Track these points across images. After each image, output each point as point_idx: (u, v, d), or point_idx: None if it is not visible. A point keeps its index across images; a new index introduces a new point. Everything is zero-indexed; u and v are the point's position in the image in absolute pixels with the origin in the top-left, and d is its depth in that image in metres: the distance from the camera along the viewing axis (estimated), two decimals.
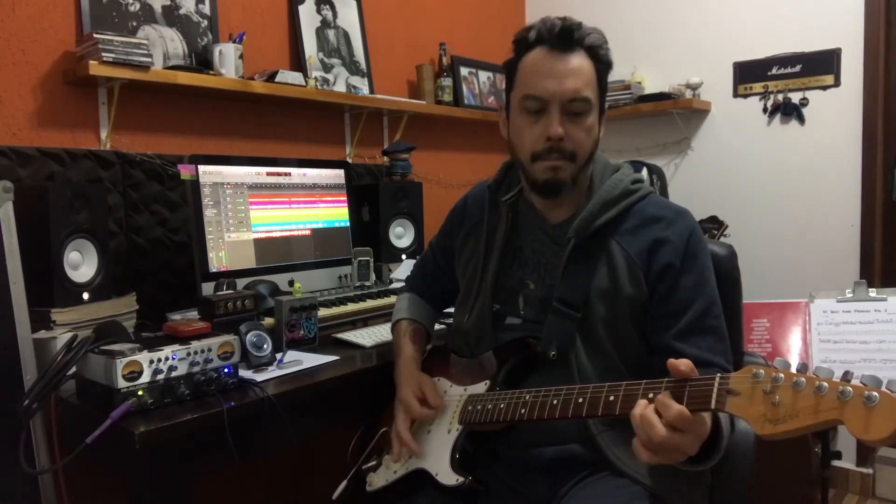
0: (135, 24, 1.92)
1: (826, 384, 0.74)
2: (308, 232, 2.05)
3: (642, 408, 0.89)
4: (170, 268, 1.96)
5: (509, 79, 1.24)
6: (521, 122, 1.21)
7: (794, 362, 0.80)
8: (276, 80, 2.09)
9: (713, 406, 0.85)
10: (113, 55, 1.70)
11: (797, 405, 0.76)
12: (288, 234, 1.99)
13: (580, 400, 1.01)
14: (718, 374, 0.86)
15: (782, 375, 0.78)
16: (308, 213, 2.05)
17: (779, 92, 2.73)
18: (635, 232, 1.20)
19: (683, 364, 0.89)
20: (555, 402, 1.04)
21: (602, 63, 1.19)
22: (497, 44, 3.20)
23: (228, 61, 2.00)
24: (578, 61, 1.17)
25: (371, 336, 1.68)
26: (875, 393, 0.71)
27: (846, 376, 0.75)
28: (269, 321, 1.61)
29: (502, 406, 1.12)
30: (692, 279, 1.16)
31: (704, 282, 1.17)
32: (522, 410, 1.08)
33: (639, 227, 1.20)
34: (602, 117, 1.23)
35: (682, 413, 0.86)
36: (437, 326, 1.60)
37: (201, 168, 1.78)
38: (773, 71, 2.73)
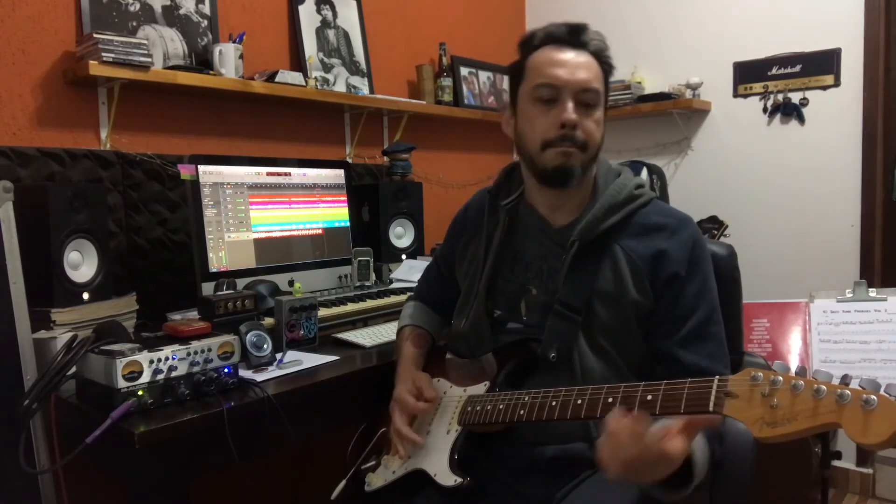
0: (135, 24, 1.92)
1: (824, 387, 0.74)
2: (320, 231, 2.06)
3: (616, 422, 0.90)
4: (170, 268, 1.96)
5: (516, 76, 1.25)
6: (532, 112, 1.21)
7: (794, 362, 0.80)
8: (276, 80, 2.09)
9: (711, 409, 0.84)
10: (113, 55, 1.70)
11: (795, 408, 0.75)
12: (288, 234, 1.99)
13: (579, 401, 1.01)
14: (717, 377, 0.86)
15: (781, 378, 0.78)
16: (308, 213, 2.05)
17: (779, 92, 2.73)
18: (639, 239, 1.20)
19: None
20: (553, 403, 1.04)
21: (605, 67, 1.23)
22: (497, 44, 3.20)
23: (228, 61, 2.00)
24: (588, 57, 1.20)
25: (371, 336, 1.68)
26: (873, 396, 0.71)
27: (845, 379, 0.75)
28: (269, 321, 1.61)
29: (501, 407, 1.12)
30: (696, 286, 1.17)
31: (707, 289, 1.18)
32: (521, 412, 1.08)
33: (643, 234, 1.20)
34: (604, 116, 1.24)
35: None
36: None
37: (201, 168, 1.78)
38: (773, 71, 2.73)
